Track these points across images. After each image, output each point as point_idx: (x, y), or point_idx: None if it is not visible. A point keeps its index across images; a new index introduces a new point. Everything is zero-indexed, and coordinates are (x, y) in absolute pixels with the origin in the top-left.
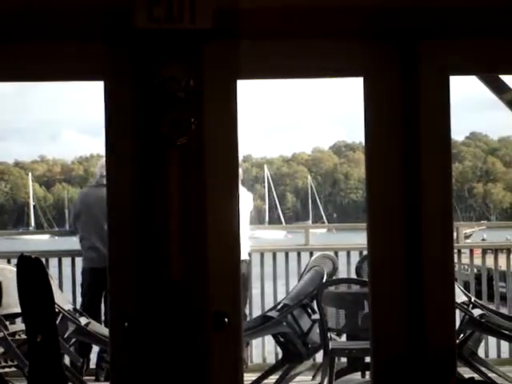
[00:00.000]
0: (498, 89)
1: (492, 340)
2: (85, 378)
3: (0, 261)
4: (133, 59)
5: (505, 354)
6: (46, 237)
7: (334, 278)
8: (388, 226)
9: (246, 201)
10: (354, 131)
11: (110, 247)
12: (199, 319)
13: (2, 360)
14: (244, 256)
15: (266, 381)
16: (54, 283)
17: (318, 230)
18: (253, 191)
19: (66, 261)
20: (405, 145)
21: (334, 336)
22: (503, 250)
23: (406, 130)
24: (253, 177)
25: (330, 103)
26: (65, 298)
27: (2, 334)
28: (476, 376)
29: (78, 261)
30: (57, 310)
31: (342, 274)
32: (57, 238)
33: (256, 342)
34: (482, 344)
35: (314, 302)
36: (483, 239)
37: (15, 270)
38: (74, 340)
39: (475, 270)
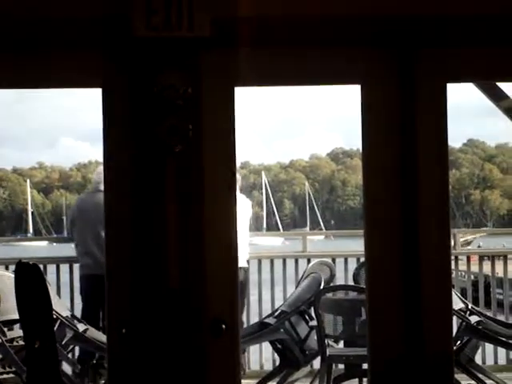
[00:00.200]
0: (496, 96)
1: (489, 347)
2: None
3: None
4: (131, 67)
5: (502, 361)
6: (44, 243)
7: (332, 284)
8: (385, 233)
9: (245, 208)
10: (352, 138)
11: (108, 254)
12: (197, 326)
13: (0, 366)
14: (242, 263)
15: None
16: (52, 290)
17: (316, 237)
18: (251, 198)
19: (64, 267)
20: (402, 152)
21: (331, 343)
22: (500, 257)
23: (403, 137)
24: (251, 183)
25: (327, 110)
26: (63, 304)
27: (0, 340)
28: (473, 383)
29: (76, 267)
30: (55, 317)
31: (339, 280)
32: (55, 244)
33: (253, 349)
34: (479, 351)
35: (312, 308)
36: (479, 246)
37: (13, 276)
38: (71, 346)
39: (472, 277)
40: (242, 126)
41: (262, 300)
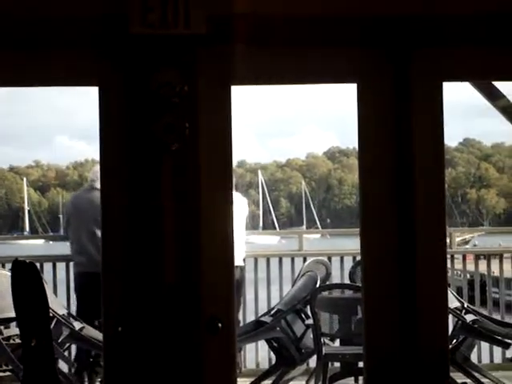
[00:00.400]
0: (492, 95)
1: (485, 345)
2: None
3: None
4: (127, 65)
5: (497, 360)
6: (40, 241)
7: (328, 283)
8: (381, 232)
9: (241, 206)
10: (348, 137)
11: (104, 252)
12: (193, 324)
13: None
14: (238, 262)
15: None
16: (49, 288)
17: (312, 236)
18: (247, 197)
19: (61, 265)
20: (398, 150)
21: (327, 341)
22: (496, 256)
23: (399, 137)
24: (247, 182)
25: (323, 109)
26: (59, 302)
27: None
28: (469, 381)
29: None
30: (51, 315)
31: (335, 279)
32: (51, 242)
33: (249, 347)
34: (475, 349)
35: (308, 307)
36: (474, 245)
37: (10, 274)
38: (68, 345)
39: (468, 276)
40: (239, 124)
41: (258, 298)
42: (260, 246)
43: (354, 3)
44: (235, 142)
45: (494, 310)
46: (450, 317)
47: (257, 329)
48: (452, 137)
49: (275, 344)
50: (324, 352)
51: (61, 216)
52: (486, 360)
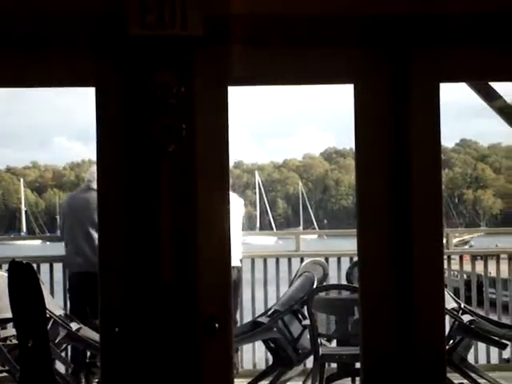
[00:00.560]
0: (489, 96)
1: (482, 346)
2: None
3: None
4: (124, 66)
5: (494, 360)
6: (37, 242)
7: (325, 283)
8: (378, 232)
9: (237, 207)
10: (345, 138)
11: (101, 252)
12: (190, 324)
13: None
14: (235, 263)
15: None
16: (45, 288)
17: (309, 236)
18: (244, 197)
19: (58, 266)
20: (395, 151)
21: (324, 342)
22: (493, 257)
23: (396, 137)
24: (244, 183)
25: (320, 110)
26: (56, 303)
27: None
28: (466, 382)
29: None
30: (48, 316)
31: (332, 279)
32: (48, 243)
33: (246, 348)
34: (472, 350)
35: (305, 307)
36: (471, 246)
37: (6, 275)
38: (65, 345)
39: (465, 276)
40: (236, 124)
41: (255, 299)
42: (257, 246)
43: (352, 3)
44: (232, 142)
45: (491, 311)
46: (447, 317)
47: (254, 329)
48: (449, 137)
49: (272, 344)
50: (321, 353)
51: (58, 217)
52: (482, 360)
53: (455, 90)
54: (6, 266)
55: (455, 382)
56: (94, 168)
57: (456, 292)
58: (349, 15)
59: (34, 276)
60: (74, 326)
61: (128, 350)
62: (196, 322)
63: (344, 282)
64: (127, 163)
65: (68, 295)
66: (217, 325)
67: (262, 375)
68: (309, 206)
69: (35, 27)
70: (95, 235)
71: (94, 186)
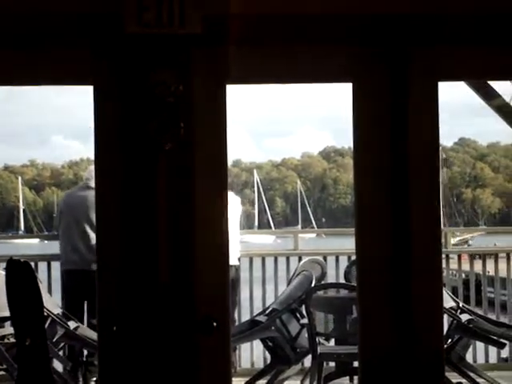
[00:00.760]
0: (487, 95)
1: (480, 345)
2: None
3: None
4: (122, 64)
5: (493, 359)
6: (35, 241)
7: (323, 282)
8: (376, 231)
9: (234, 205)
10: (343, 136)
11: (99, 251)
12: (188, 323)
13: None
14: (233, 261)
15: None
16: (43, 287)
17: (307, 235)
18: (242, 196)
19: (55, 264)
20: (393, 150)
21: (322, 340)
22: (491, 256)
23: (394, 136)
24: (242, 181)
25: (319, 108)
26: (54, 301)
27: None
28: (464, 381)
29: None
30: (45, 314)
31: (330, 278)
32: (46, 241)
33: (244, 347)
34: (470, 349)
35: (303, 306)
36: (469, 245)
37: (4, 273)
38: (62, 344)
39: (463, 276)
40: (234, 123)
41: (253, 298)
42: (255, 245)
43: (352, 2)
44: (230, 141)
45: (489, 310)
46: (445, 316)
47: (252, 328)
48: (447, 136)
49: (270, 343)
50: (319, 351)
51: (55, 215)
52: (481, 360)
53: (453, 89)
54: (3, 265)
55: (453, 381)
56: (93, 166)
57: (454, 291)
58: (348, 14)
59: (31, 274)
60: (71, 324)
61: (126, 348)
62: (194, 321)
63: (342, 280)
64: (125, 162)
65: (63, 293)
66: (214, 324)
67: (260, 374)
68: (307, 205)
69: (33, 25)
70: (91, 234)
71: (92, 184)
